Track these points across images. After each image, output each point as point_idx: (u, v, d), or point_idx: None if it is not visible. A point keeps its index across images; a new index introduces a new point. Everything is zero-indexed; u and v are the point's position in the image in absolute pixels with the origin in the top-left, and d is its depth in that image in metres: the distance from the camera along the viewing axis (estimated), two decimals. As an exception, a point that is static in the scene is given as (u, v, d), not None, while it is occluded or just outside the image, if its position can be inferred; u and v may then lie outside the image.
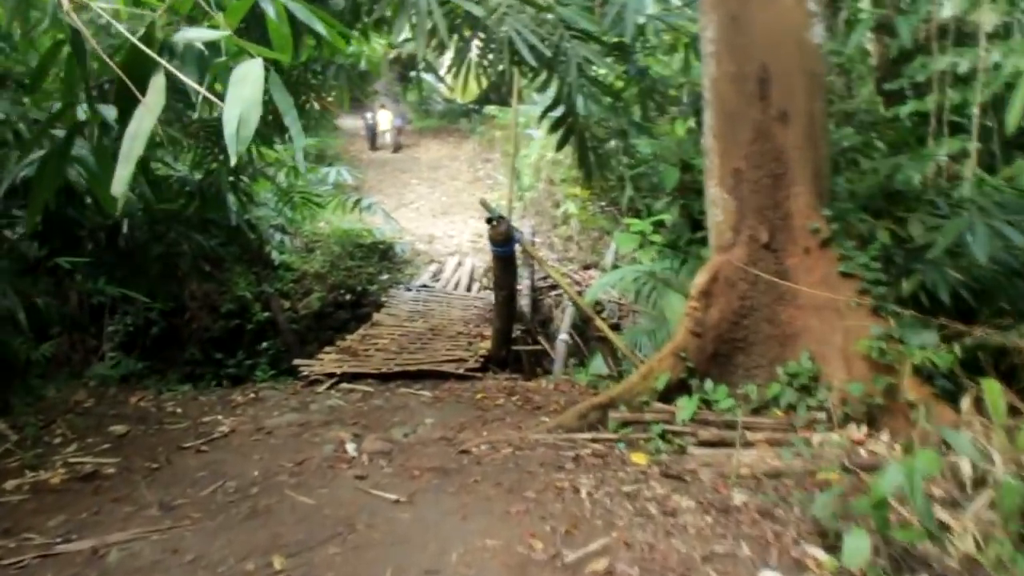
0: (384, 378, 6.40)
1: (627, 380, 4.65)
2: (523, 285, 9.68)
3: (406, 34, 5.65)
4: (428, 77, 25.76)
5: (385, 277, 10.88)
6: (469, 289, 10.48)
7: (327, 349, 7.66)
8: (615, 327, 10.83)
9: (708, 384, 4.64)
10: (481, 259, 11.90)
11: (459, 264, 11.26)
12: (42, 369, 9.73)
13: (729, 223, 4.86)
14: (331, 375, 6.44)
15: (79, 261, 6.80)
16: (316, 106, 7.90)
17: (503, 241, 7.01)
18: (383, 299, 9.82)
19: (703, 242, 5.67)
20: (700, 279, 4.80)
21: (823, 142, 4.85)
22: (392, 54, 25.47)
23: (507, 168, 17.73)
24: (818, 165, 4.78)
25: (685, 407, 4.34)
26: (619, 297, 10.55)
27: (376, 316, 9.34)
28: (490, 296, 9.68)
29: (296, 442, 4.42)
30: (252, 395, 5.59)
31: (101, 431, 4.67)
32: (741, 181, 4.82)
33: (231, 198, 8.81)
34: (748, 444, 4.04)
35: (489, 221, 7.03)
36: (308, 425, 4.66)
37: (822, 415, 4.26)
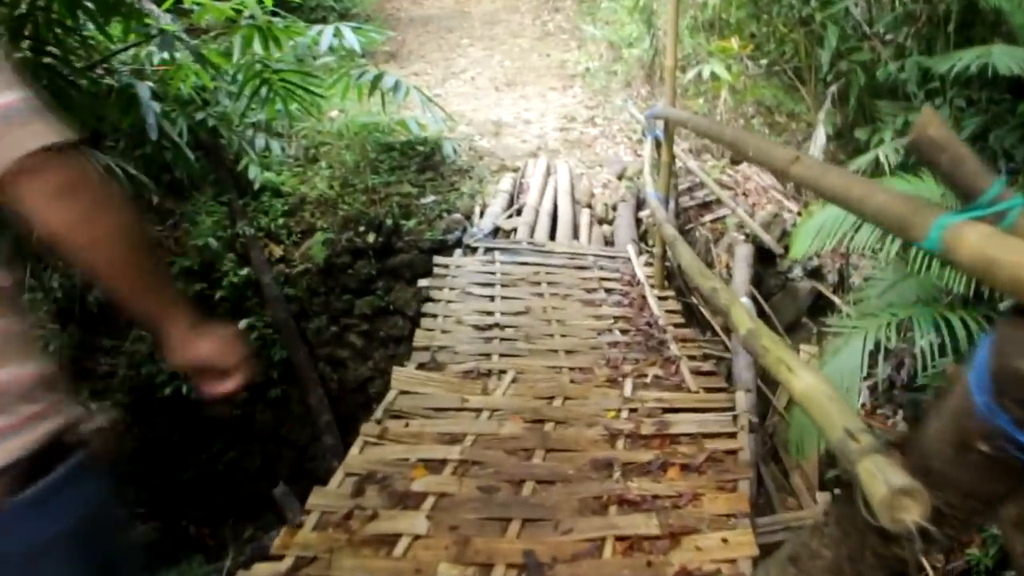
0: None
1: None
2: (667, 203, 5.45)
3: None
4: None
5: (429, 200, 6.69)
6: (576, 233, 5.83)
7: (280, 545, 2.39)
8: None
9: None
10: (580, 158, 7.62)
11: (549, 174, 6.89)
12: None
13: None
14: None
15: None
16: None
17: None
18: (422, 284, 4.90)
19: None
20: None
21: None
22: None
23: (589, 17, 13.13)
24: None
25: None
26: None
27: (398, 376, 3.52)
28: (622, 252, 5.28)
29: None
30: None
31: None
32: None
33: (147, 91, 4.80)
34: None
35: None
36: None
37: None
